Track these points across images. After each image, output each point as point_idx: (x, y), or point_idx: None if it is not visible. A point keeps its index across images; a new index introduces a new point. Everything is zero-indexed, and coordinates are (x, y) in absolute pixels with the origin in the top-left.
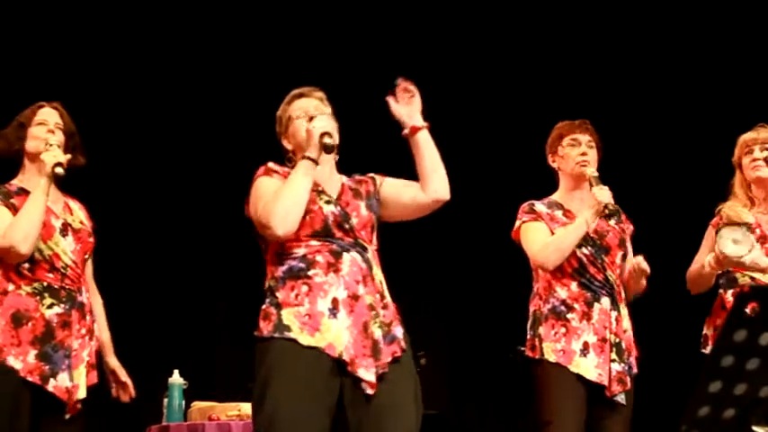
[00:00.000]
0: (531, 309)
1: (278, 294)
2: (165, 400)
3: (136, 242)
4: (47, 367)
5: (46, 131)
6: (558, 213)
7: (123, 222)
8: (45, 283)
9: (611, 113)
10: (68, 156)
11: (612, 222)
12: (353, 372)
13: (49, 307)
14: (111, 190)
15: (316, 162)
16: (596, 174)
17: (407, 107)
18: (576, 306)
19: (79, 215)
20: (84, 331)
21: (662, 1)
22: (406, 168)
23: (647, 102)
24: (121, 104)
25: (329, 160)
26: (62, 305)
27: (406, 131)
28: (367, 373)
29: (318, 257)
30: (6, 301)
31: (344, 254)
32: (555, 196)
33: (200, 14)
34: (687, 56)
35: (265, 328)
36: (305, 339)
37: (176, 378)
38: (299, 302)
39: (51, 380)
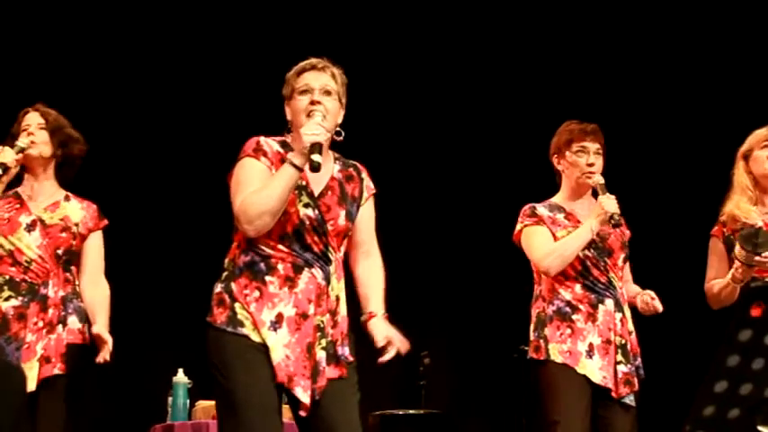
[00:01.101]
0: (535, 311)
1: (233, 284)
2: (170, 399)
3: (140, 241)
4: None
5: (27, 135)
6: (560, 216)
7: (127, 220)
8: (7, 277)
9: (610, 114)
10: (18, 156)
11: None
12: (290, 389)
13: (6, 299)
14: (118, 186)
15: (300, 170)
16: (602, 181)
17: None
18: (581, 307)
19: (68, 212)
20: (41, 324)
21: (666, 3)
22: (406, 150)
23: (645, 104)
24: (127, 102)
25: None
26: (20, 298)
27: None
28: (303, 395)
29: (279, 266)
30: None
31: (305, 269)
32: (556, 198)
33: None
34: (684, 59)
35: (219, 316)
36: (256, 337)
37: (181, 377)
38: (247, 303)
39: None
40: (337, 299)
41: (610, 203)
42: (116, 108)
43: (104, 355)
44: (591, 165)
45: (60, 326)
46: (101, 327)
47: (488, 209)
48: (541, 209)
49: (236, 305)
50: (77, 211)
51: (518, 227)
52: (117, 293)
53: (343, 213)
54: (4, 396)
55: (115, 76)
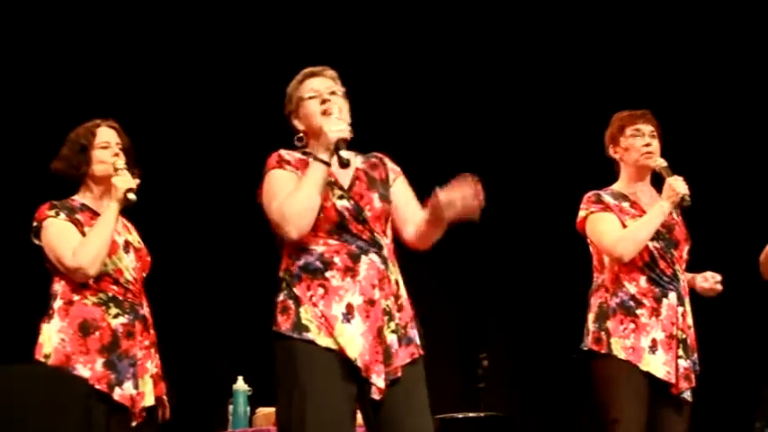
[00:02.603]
0: (596, 301)
1: (295, 289)
2: (231, 407)
3: (199, 250)
4: (113, 376)
5: (111, 155)
6: (626, 205)
7: (186, 231)
8: (110, 294)
9: (667, 104)
10: (138, 180)
11: (674, 215)
12: (367, 377)
13: (115, 317)
14: (166, 199)
15: (328, 164)
16: (665, 164)
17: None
18: (645, 302)
19: (135, 235)
20: (147, 343)
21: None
22: (411, 148)
23: (703, 92)
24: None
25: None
26: (126, 316)
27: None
28: (378, 379)
29: (336, 259)
30: (72, 311)
31: (362, 256)
32: (617, 186)
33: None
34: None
35: (284, 323)
36: (323, 341)
37: (241, 384)
38: (314, 303)
39: (117, 388)
40: (397, 283)
41: (679, 184)
42: (156, 122)
43: (165, 415)
44: (648, 145)
45: None
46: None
47: (548, 206)
48: (606, 196)
49: (301, 309)
50: (134, 232)
51: (582, 214)
52: (177, 304)
53: (375, 196)
54: (68, 405)
55: (159, 92)
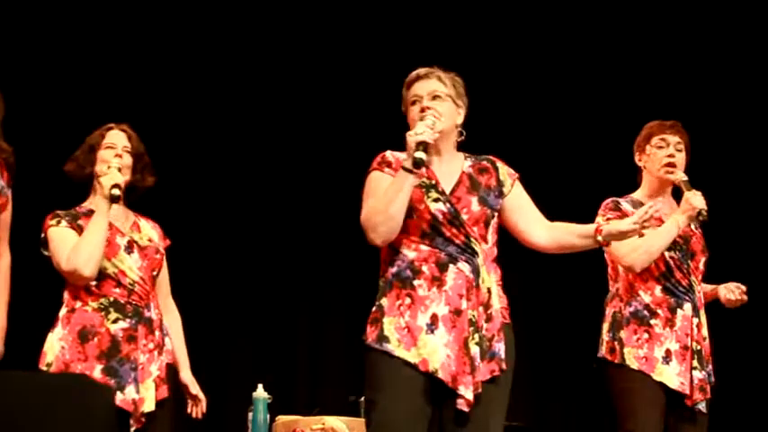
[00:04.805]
0: (611, 310)
1: (384, 300)
2: (250, 415)
3: (218, 257)
4: (113, 381)
5: (114, 155)
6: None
7: (205, 237)
8: (111, 299)
9: (699, 115)
10: (126, 177)
11: (693, 227)
12: (455, 388)
13: (114, 322)
14: (189, 204)
15: (410, 171)
16: (686, 178)
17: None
18: (659, 312)
19: (149, 233)
20: (151, 346)
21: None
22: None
23: (732, 102)
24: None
25: (449, 141)
26: (128, 320)
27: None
28: (466, 391)
29: (424, 268)
30: (74, 318)
31: (450, 265)
32: (637, 195)
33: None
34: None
35: (370, 335)
36: (401, 353)
37: (260, 392)
38: (400, 313)
39: (119, 393)
40: (489, 291)
41: (697, 199)
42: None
43: (201, 410)
44: (671, 156)
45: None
46: (189, 376)
47: (566, 213)
48: (625, 204)
49: (386, 320)
50: (151, 231)
51: (599, 220)
52: (196, 310)
53: (474, 200)
54: (93, 412)
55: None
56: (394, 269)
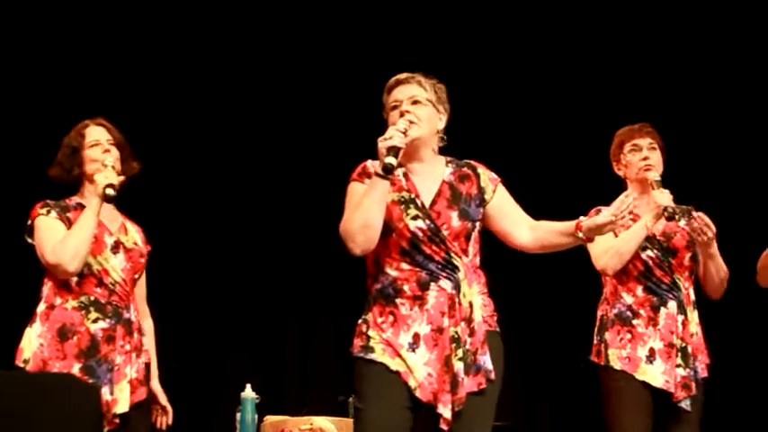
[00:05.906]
0: (599, 313)
1: (369, 315)
2: (238, 415)
3: (207, 258)
4: (91, 381)
5: (102, 152)
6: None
7: (195, 239)
8: (92, 298)
9: (671, 115)
10: (121, 177)
11: (682, 223)
12: (434, 406)
13: (95, 321)
14: (182, 206)
15: (382, 176)
16: (658, 178)
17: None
18: (641, 312)
19: (134, 237)
20: (128, 347)
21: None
22: (497, 152)
23: (705, 102)
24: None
25: (429, 146)
26: (107, 320)
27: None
28: (445, 410)
29: (406, 287)
30: (53, 315)
31: (432, 284)
32: None
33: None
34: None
35: (356, 346)
36: (385, 360)
37: (249, 392)
38: (382, 330)
39: None
40: (470, 305)
41: (662, 197)
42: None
43: (167, 421)
44: (645, 159)
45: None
46: (158, 386)
47: (559, 216)
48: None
49: (371, 332)
50: (136, 234)
51: None
52: (185, 310)
53: (454, 215)
54: (82, 416)
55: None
56: (378, 285)
